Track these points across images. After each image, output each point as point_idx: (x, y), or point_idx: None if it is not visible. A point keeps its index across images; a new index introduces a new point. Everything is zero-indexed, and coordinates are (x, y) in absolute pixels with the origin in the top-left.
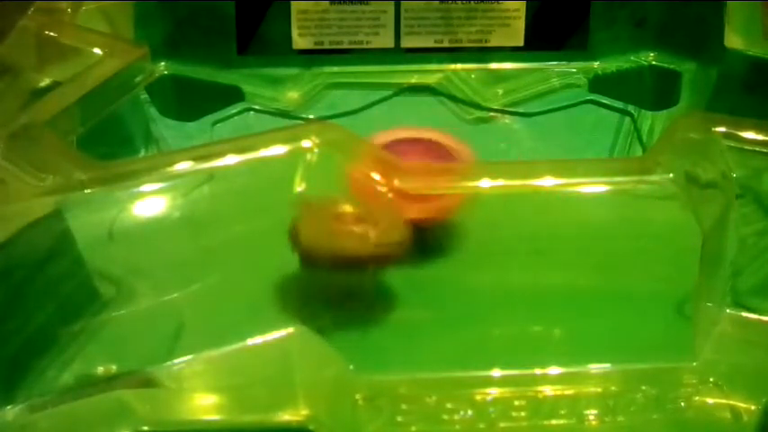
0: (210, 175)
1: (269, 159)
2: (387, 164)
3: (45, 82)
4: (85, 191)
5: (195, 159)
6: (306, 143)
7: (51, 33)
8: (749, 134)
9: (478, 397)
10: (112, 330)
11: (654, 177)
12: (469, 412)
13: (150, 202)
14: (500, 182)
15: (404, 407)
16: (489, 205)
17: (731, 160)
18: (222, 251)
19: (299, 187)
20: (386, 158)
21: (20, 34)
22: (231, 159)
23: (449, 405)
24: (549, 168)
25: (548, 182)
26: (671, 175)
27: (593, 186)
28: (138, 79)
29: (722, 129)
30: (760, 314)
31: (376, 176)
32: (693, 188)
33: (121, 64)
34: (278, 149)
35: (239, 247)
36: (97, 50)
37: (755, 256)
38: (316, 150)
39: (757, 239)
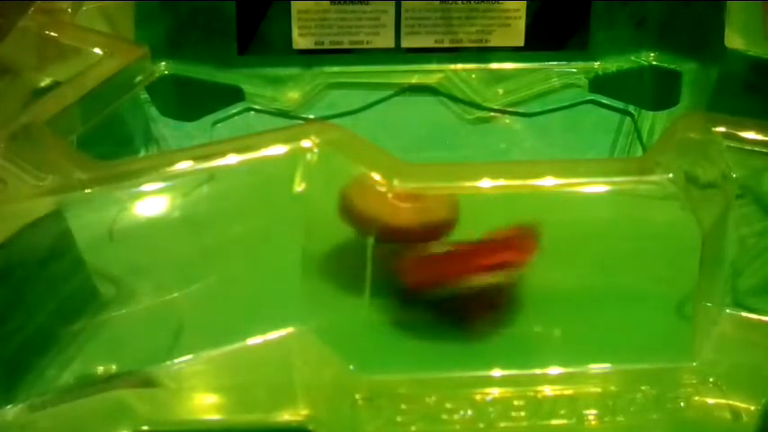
0: (210, 175)
1: (269, 159)
2: (386, 164)
3: (45, 82)
4: (85, 191)
5: (195, 159)
6: (306, 143)
7: (51, 33)
8: (749, 134)
9: (478, 397)
10: (112, 330)
11: (654, 177)
12: (469, 412)
13: (150, 202)
14: (500, 182)
15: (403, 407)
16: (490, 205)
17: (731, 160)
18: (222, 251)
19: (299, 187)
20: (385, 158)
21: (20, 34)
22: (231, 159)
23: (448, 405)
24: (549, 168)
25: (548, 182)
26: (671, 175)
27: (594, 186)
28: (138, 79)
29: (722, 129)
30: (760, 314)
31: (376, 176)
32: (693, 188)
33: (121, 64)
34: (278, 149)
35: (239, 247)
36: (97, 50)
37: (755, 257)
38: (316, 150)
39: (757, 239)
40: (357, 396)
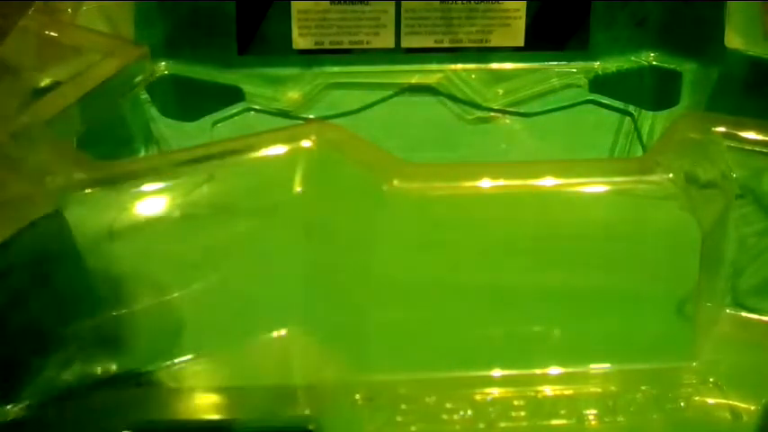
0: (210, 175)
1: (269, 159)
2: (386, 164)
3: (45, 82)
4: (85, 191)
5: (195, 159)
6: (306, 143)
7: (51, 33)
8: (749, 134)
9: (478, 397)
10: (112, 330)
11: (654, 177)
12: (469, 412)
13: (150, 202)
14: (500, 182)
15: (403, 407)
16: (490, 205)
17: (731, 160)
18: (222, 251)
19: (299, 187)
20: (385, 158)
21: (20, 34)
22: (231, 159)
23: (448, 405)
24: (549, 168)
25: (548, 182)
26: (671, 175)
27: (593, 186)
28: (138, 79)
29: (722, 129)
30: (760, 314)
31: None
32: (693, 188)
33: (121, 64)
34: (278, 149)
35: (239, 247)
36: (97, 50)
37: (755, 257)
38: (316, 150)
39: (757, 239)
40: (357, 396)
